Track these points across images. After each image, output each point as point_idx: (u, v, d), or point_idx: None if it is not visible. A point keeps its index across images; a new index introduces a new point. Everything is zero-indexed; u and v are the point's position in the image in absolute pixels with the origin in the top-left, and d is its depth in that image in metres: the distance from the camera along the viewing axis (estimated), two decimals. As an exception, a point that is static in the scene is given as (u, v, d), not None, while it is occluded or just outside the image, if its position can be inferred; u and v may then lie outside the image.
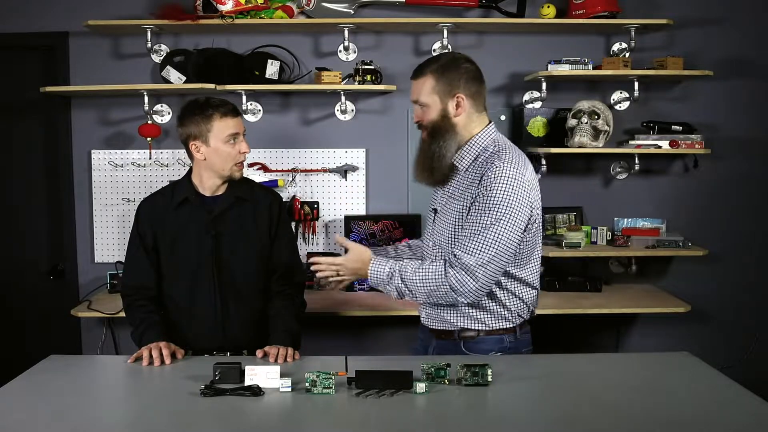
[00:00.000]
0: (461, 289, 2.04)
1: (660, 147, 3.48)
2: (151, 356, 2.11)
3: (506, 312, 2.19)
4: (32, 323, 3.76)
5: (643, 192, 3.71)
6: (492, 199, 2.03)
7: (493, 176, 2.05)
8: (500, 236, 2.02)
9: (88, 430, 1.65)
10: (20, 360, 2.30)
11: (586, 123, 3.41)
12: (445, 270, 2.05)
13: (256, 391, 1.83)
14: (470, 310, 2.19)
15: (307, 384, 1.84)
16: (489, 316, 2.19)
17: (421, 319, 2.34)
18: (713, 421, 1.66)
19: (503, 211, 2.02)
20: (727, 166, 3.69)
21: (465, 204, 2.12)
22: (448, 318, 2.22)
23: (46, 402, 1.81)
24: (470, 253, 2.02)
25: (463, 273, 2.03)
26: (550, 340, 3.15)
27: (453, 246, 2.12)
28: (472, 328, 2.20)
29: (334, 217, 3.67)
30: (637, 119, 3.63)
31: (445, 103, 2.15)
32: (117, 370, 2.15)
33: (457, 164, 2.18)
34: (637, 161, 3.57)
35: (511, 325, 2.21)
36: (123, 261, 3.56)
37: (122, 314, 3.17)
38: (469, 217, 2.08)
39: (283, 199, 2.56)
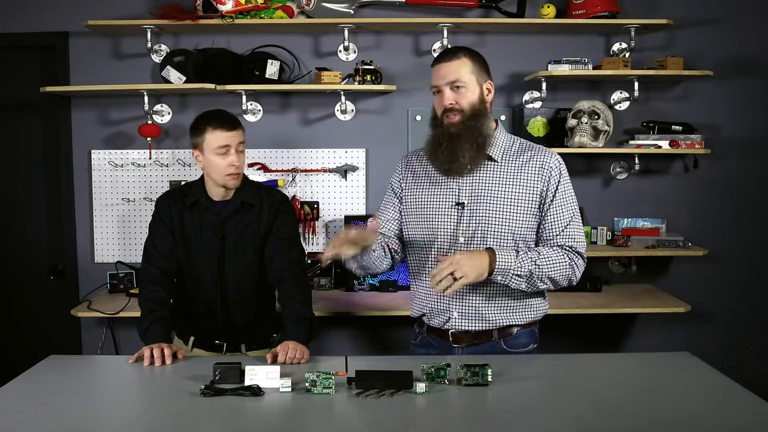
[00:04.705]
0: (579, 273, 2.16)
1: (660, 147, 3.48)
2: (152, 356, 2.11)
3: (542, 301, 2.24)
4: (32, 323, 3.77)
5: (643, 192, 3.71)
6: (566, 188, 2.17)
7: (553, 166, 2.15)
8: (580, 222, 2.20)
9: (88, 430, 1.65)
10: (20, 360, 2.31)
11: (586, 123, 3.41)
12: (567, 255, 2.12)
13: (256, 391, 1.83)
14: (512, 304, 2.17)
15: (307, 384, 1.84)
16: (529, 307, 2.20)
17: (445, 324, 2.21)
18: (713, 421, 1.66)
19: (574, 199, 2.19)
20: (727, 166, 3.69)
21: (528, 193, 2.13)
22: (489, 316, 2.17)
23: (46, 402, 1.81)
24: (575, 239, 2.15)
25: (579, 258, 2.15)
26: (551, 340, 3.16)
27: (526, 233, 2.14)
28: (514, 323, 2.19)
29: (334, 217, 3.68)
30: (637, 119, 3.63)
31: (481, 85, 2.15)
32: (117, 370, 2.15)
33: (491, 154, 2.17)
34: (637, 161, 3.57)
35: (541, 315, 2.25)
36: (123, 261, 3.63)
37: (122, 314, 3.20)
38: (552, 206, 2.14)
39: (288, 198, 2.59)
